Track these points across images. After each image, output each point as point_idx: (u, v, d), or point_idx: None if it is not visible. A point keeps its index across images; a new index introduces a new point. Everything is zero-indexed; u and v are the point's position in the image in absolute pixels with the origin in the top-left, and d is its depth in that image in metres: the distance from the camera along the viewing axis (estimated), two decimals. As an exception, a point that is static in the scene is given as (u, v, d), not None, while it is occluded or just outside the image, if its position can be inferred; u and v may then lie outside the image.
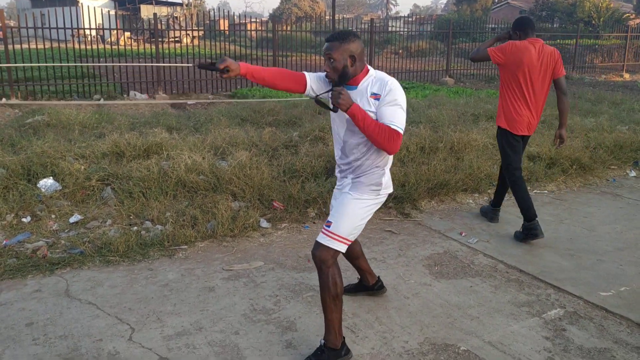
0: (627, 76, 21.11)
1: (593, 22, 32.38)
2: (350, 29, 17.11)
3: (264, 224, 4.77)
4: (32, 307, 3.43)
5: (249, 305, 3.48)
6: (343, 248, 2.85)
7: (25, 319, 3.29)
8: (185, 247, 4.35)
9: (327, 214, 4.93)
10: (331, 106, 2.74)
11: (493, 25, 22.77)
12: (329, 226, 2.84)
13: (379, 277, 3.62)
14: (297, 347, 3.04)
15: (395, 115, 2.67)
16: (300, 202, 5.04)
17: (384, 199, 2.98)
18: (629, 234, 4.85)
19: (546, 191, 6.00)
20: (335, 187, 3.12)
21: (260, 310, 3.42)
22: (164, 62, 13.26)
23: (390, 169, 3.00)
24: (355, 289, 3.63)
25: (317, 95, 2.83)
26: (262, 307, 3.47)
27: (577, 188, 6.18)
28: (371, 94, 2.73)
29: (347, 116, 2.75)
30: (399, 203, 5.26)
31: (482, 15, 37.93)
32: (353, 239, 2.91)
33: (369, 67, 2.83)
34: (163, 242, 4.35)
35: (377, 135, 2.64)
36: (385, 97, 2.69)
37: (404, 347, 3.05)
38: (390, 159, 2.96)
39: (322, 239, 2.83)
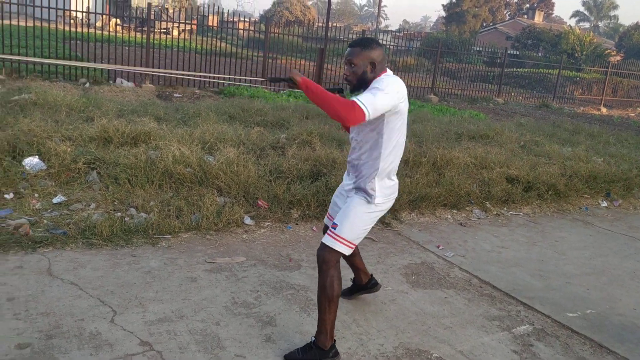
0: (604, 110, 21.71)
1: (576, 54, 33.20)
2: (341, 37, 17.29)
3: (248, 220, 4.84)
4: (14, 282, 3.44)
5: (230, 298, 3.55)
6: (347, 251, 2.92)
7: (7, 293, 3.30)
8: (169, 236, 4.39)
9: (310, 217, 5.05)
10: (286, 78, 2.73)
11: (479, 48, 23.25)
12: (335, 228, 2.91)
13: (371, 274, 3.70)
14: (276, 341, 3.12)
15: (365, 96, 2.64)
16: (285, 202, 5.12)
17: (390, 204, 3.03)
18: (596, 260, 5.04)
19: (521, 213, 6.19)
20: (342, 184, 3.19)
21: (241, 304, 3.49)
22: (153, 52, 13.20)
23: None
24: (351, 292, 3.69)
25: (272, 76, 2.91)
26: (243, 300, 3.54)
27: (551, 213, 6.39)
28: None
29: None
30: (380, 212, 5.39)
31: (469, 37, 38.64)
32: (358, 243, 2.99)
33: (389, 71, 2.89)
34: (147, 230, 4.39)
35: (331, 102, 2.57)
36: (370, 86, 2.77)
37: (379, 350, 3.16)
38: (388, 164, 2.89)
39: (327, 240, 2.90)
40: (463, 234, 5.30)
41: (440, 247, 4.88)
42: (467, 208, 5.97)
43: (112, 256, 3.97)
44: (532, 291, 4.19)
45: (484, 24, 54.92)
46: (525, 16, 58.34)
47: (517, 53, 33.00)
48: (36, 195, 4.82)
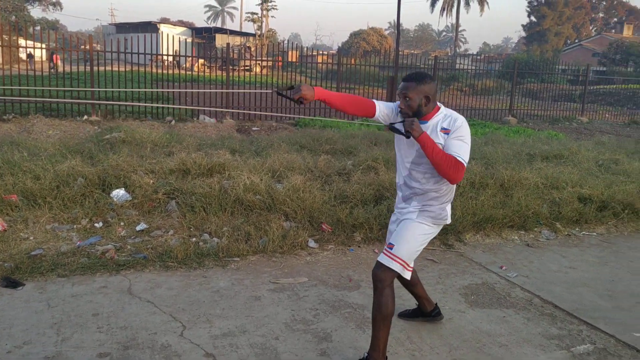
0: (703, 125, 20.24)
1: (671, 67, 31.28)
2: (423, 69, 17.39)
3: (312, 244, 5.07)
4: (99, 300, 3.84)
5: (290, 316, 3.76)
6: (401, 270, 3.03)
7: (92, 310, 3.70)
8: (238, 259, 4.69)
9: (373, 239, 5.20)
10: (404, 132, 2.95)
11: (563, 67, 22.52)
12: (391, 248, 3.06)
13: (436, 304, 3.77)
14: (330, 356, 3.29)
15: (462, 149, 2.90)
16: (348, 226, 5.31)
17: (440, 228, 3.20)
18: (675, 281, 4.81)
19: (595, 233, 6.00)
20: (395, 211, 3.30)
21: (300, 321, 3.69)
22: (233, 89, 13.96)
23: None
24: (413, 315, 3.78)
25: (392, 124, 3.06)
26: (302, 318, 3.74)
27: (628, 233, 6.14)
28: (441, 129, 2.96)
29: (416, 145, 2.97)
30: (443, 234, 5.42)
31: (552, 56, 37.47)
32: (412, 264, 3.12)
33: (440, 104, 3.05)
34: (218, 254, 4.72)
35: (443, 163, 2.85)
36: (454, 132, 2.93)
37: (431, 366, 3.24)
38: (453, 191, 3.16)
39: (383, 259, 3.06)
40: (529, 255, 5.24)
41: (504, 268, 4.86)
42: (535, 229, 5.88)
43: (185, 277, 4.31)
44: (598, 311, 4.09)
45: (568, 42, 53.05)
46: (613, 31, 55.70)
47: (605, 69, 31.59)
48: (122, 223, 5.30)
